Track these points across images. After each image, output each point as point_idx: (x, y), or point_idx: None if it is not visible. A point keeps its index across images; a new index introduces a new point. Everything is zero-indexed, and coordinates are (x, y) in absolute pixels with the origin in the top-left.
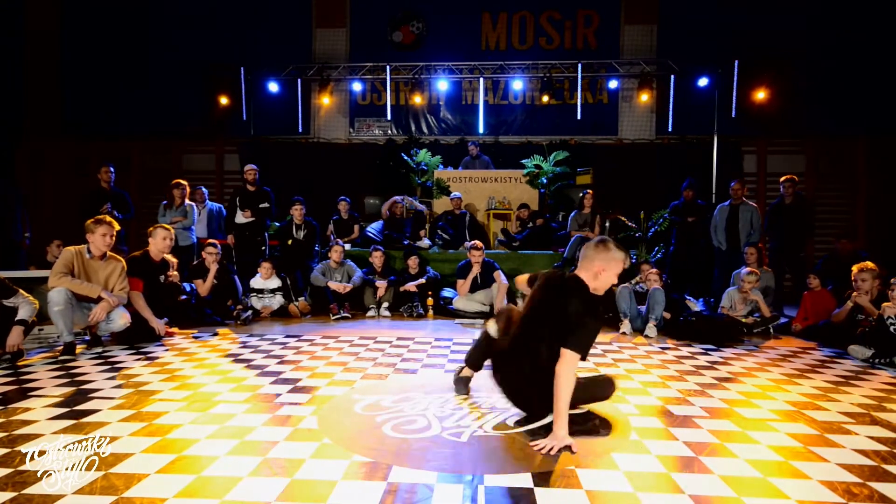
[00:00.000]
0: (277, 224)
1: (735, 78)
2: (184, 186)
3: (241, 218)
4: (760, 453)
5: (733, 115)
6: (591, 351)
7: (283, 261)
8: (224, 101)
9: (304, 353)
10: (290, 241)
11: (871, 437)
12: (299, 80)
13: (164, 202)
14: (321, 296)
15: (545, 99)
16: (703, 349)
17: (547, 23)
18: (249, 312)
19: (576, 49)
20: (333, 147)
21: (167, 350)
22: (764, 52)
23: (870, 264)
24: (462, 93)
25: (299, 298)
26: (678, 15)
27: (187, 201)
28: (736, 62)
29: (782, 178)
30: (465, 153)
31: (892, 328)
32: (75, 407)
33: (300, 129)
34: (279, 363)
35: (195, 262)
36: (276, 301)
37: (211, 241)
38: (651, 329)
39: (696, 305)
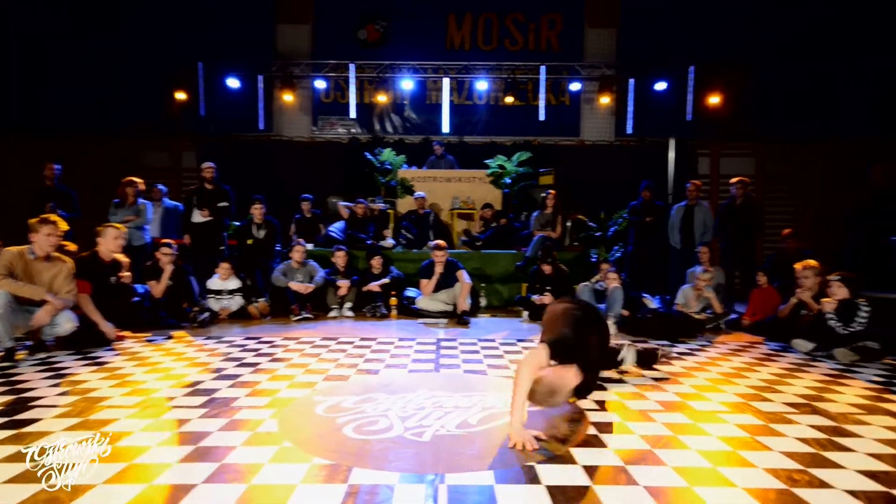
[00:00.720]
0: (237, 223)
1: (691, 83)
2: (136, 184)
3: (198, 217)
4: (711, 444)
5: (689, 119)
6: None
7: (243, 261)
8: (181, 96)
9: (264, 356)
10: (249, 241)
11: (812, 426)
12: (260, 77)
13: (116, 200)
14: (282, 297)
15: (509, 100)
16: (658, 345)
17: (511, 24)
18: (207, 314)
19: (539, 51)
20: (296, 145)
21: (118, 355)
22: (718, 59)
23: (812, 262)
24: (427, 92)
25: (259, 299)
26: (638, 20)
27: (141, 199)
28: (692, 68)
29: (733, 180)
30: (430, 152)
31: (830, 323)
32: (14, 416)
33: (261, 127)
34: (237, 366)
35: (149, 263)
36: (235, 302)
37: (166, 240)
38: (610, 326)
39: (652, 303)
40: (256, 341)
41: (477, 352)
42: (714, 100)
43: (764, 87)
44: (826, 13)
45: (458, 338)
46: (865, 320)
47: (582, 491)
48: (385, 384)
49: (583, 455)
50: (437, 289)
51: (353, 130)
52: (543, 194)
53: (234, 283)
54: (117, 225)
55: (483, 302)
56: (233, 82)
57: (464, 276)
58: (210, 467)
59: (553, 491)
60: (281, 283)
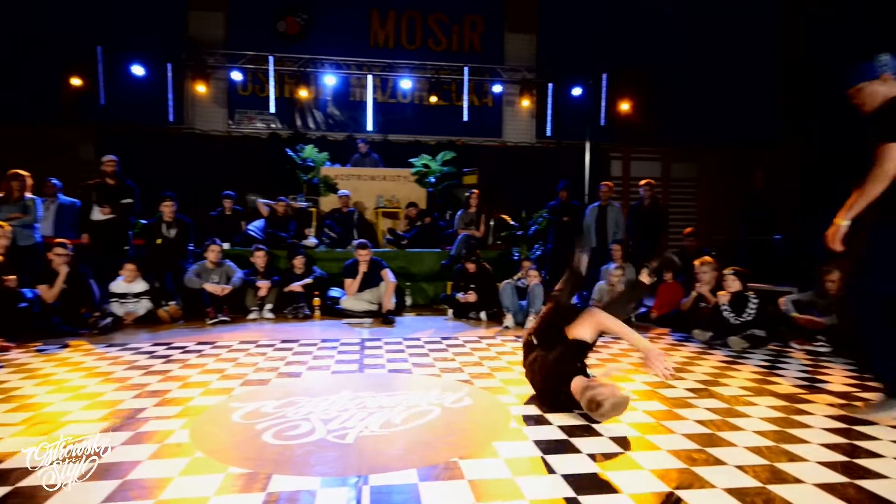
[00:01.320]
0: (144, 221)
1: (604, 89)
2: (23, 177)
3: (98, 215)
4: (622, 430)
5: (602, 124)
6: (476, 346)
7: (151, 262)
8: (77, 81)
9: (175, 362)
10: (158, 241)
11: (709, 409)
12: (169, 65)
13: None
14: (196, 299)
15: (433, 99)
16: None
17: (435, 24)
18: (109, 319)
19: (462, 52)
20: (211, 139)
21: (1, 367)
22: (627, 67)
23: (708, 259)
24: (350, 89)
25: (170, 303)
26: (555, 27)
27: (28, 194)
28: (604, 75)
29: (641, 183)
30: (354, 150)
31: (724, 314)
32: None
33: (171, 119)
34: (144, 374)
35: (42, 265)
36: (143, 306)
37: (60, 240)
38: (531, 322)
39: None
40: (166, 347)
41: (402, 351)
42: (624, 106)
43: (669, 94)
44: (726, 23)
45: (384, 337)
46: (754, 310)
47: (503, 484)
48: (307, 387)
49: (505, 448)
50: (362, 288)
51: (272, 125)
52: (467, 194)
53: (141, 286)
54: (0, 223)
55: (408, 301)
56: (138, 70)
57: (389, 276)
58: (111, 485)
59: (475, 485)
60: (194, 285)
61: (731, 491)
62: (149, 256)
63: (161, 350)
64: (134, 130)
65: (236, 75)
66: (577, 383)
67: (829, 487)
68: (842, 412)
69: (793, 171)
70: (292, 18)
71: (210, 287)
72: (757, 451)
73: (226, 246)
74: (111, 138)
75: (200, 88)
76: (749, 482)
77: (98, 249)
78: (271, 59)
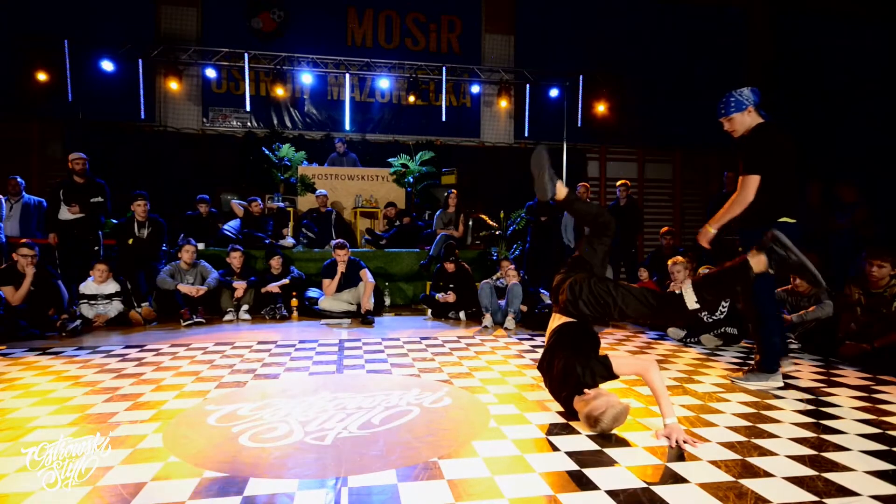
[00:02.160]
0: (115, 221)
1: (580, 91)
2: None
3: (66, 214)
4: None
5: (579, 125)
6: (455, 346)
7: (123, 262)
8: (42, 76)
9: (148, 365)
10: (130, 241)
11: (684, 406)
12: (140, 60)
13: None
14: (170, 301)
15: (411, 99)
16: None
17: (413, 24)
18: (79, 322)
19: (440, 52)
20: (184, 137)
21: None
22: (604, 70)
23: (680, 258)
24: (328, 88)
25: (142, 304)
26: (533, 29)
27: None
28: (581, 77)
29: (618, 183)
30: (331, 149)
31: (698, 312)
32: None
33: (143, 116)
34: (116, 378)
35: (4, 266)
36: (114, 308)
37: (25, 240)
38: (510, 322)
39: (549, 298)
40: (139, 350)
41: (381, 351)
42: (601, 107)
43: (644, 97)
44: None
45: (362, 338)
46: (726, 309)
47: (482, 482)
48: (285, 388)
49: (484, 448)
50: (340, 288)
51: (249, 124)
52: (446, 193)
53: (112, 287)
54: None
55: (387, 301)
56: (107, 65)
57: (367, 276)
58: (80, 492)
59: (454, 485)
60: (168, 286)
61: (704, 486)
62: (120, 257)
63: (133, 353)
64: (104, 127)
65: (210, 72)
66: (577, 401)
67: (797, 480)
68: (809, 407)
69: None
70: (268, 15)
71: (184, 288)
72: (730, 446)
73: (201, 246)
74: (80, 135)
75: (173, 85)
76: (722, 477)
77: (67, 250)
78: (247, 56)
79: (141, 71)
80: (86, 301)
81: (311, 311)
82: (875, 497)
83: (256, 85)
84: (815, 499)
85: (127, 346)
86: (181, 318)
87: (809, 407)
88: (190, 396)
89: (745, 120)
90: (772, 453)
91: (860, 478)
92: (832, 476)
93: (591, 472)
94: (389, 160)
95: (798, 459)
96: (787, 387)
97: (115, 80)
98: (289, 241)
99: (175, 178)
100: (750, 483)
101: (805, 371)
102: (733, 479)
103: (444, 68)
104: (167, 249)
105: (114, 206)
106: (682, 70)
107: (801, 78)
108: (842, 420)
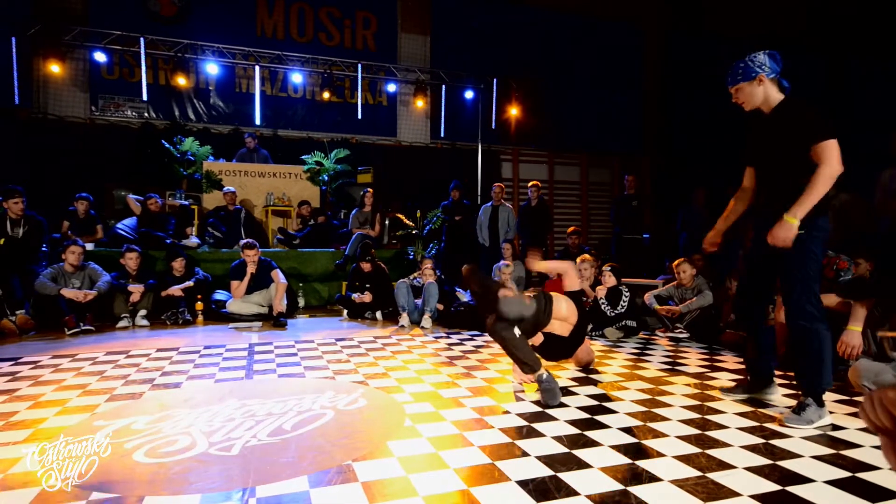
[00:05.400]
0: None
1: (494, 94)
2: None
3: None
4: (511, 421)
5: (493, 127)
6: (371, 346)
7: None
8: None
9: (24, 380)
10: (2, 241)
11: (588, 395)
12: (14, 39)
13: None
14: (52, 307)
15: (326, 95)
16: (470, 335)
17: (326, 18)
18: None
19: (356, 49)
20: (68, 126)
21: None
22: (517, 74)
23: (587, 256)
24: (236, 79)
25: (17, 312)
26: (448, 31)
27: None
28: (494, 80)
29: (529, 184)
30: (240, 144)
31: (602, 307)
32: None
33: (17, 101)
34: None
35: None
36: None
37: None
38: (426, 320)
39: (464, 296)
40: (12, 363)
41: (294, 354)
42: (514, 111)
43: (554, 103)
44: (605, 41)
45: (274, 341)
46: (626, 303)
47: (397, 482)
48: (187, 398)
49: (399, 447)
50: (251, 290)
51: (146, 114)
52: (362, 192)
53: None
54: None
55: (301, 302)
56: None
57: (279, 276)
58: None
59: (369, 487)
60: (49, 291)
61: (605, 469)
62: None
63: (6, 367)
64: None
65: (100, 56)
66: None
67: (685, 458)
68: (697, 390)
69: (653, 179)
70: None
71: (69, 293)
72: (628, 430)
73: (89, 247)
74: None
75: (55, 68)
76: (620, 460)
77: None
78: (143, 41)
79: (14, 50)
80: None
81: (218, 315)
82: (748, 468)
83: (155, 73)
84: (700, 474)
85: None
86: (65, 327)
87: (696, 391)
88: (75, 412)
89: (755, 91)
90: (664, 435)
91: (737, 453)
92: (713, 452)
93: (503, 465)
94: (303, 157)
95: (685, 439)
96: (676, 372)
97: None
98: (193, 240)
99: (58, 171)
100: (643, 464)
101: (693, 357)
102: (630, 461)
103: (359, 65)
104: (47, 251)
105: None
106: (590, 78)
107: (693, 89)
108: (722, 401)
